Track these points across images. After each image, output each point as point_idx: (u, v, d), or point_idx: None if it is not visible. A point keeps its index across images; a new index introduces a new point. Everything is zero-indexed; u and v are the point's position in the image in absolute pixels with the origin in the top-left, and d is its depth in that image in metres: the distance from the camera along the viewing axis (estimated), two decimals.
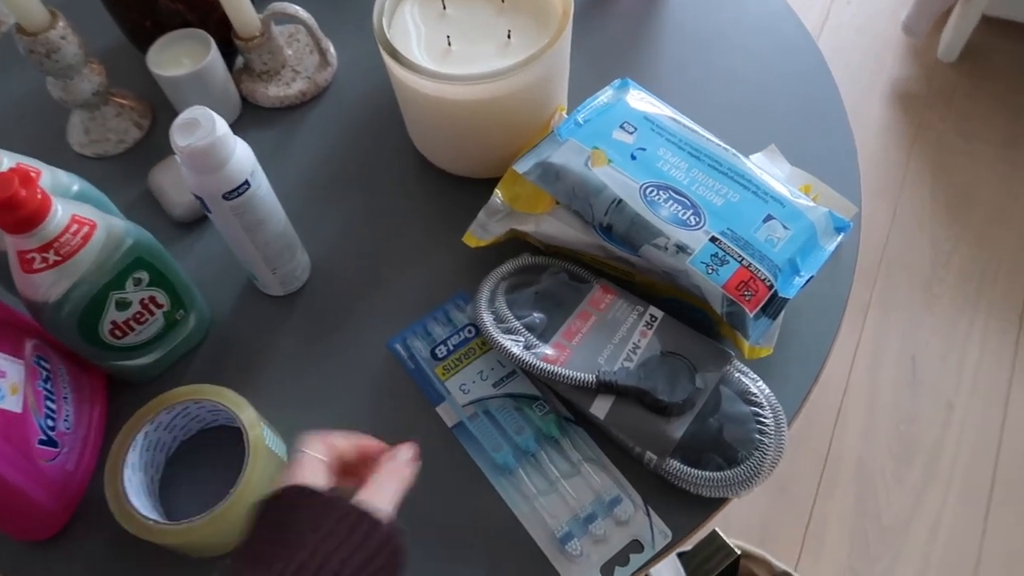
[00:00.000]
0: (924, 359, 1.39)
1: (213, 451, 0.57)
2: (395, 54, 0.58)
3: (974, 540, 1.22)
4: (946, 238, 1.50)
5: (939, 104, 1.66)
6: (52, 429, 0.51)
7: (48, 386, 0.52)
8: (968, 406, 1.33)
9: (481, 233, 0.60)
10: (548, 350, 0.53)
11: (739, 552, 0.90)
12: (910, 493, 1.26)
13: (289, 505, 0.40)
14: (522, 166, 0.58)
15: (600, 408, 0.51)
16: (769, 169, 0.61)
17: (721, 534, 0.91)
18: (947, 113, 1.65)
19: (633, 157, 0.56)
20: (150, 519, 0.48)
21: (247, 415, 0.52)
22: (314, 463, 0.43)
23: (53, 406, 0.52)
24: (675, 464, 0.51)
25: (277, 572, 0.37)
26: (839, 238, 0.56)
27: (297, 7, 0.70)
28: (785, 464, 1.30)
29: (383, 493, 0.43)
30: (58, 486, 0.51)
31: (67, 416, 0.53)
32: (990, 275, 1.46)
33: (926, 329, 1.41)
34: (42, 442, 0.50)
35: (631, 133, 0.58)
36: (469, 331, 0.59)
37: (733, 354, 0.53)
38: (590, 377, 0.51)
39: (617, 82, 0.63)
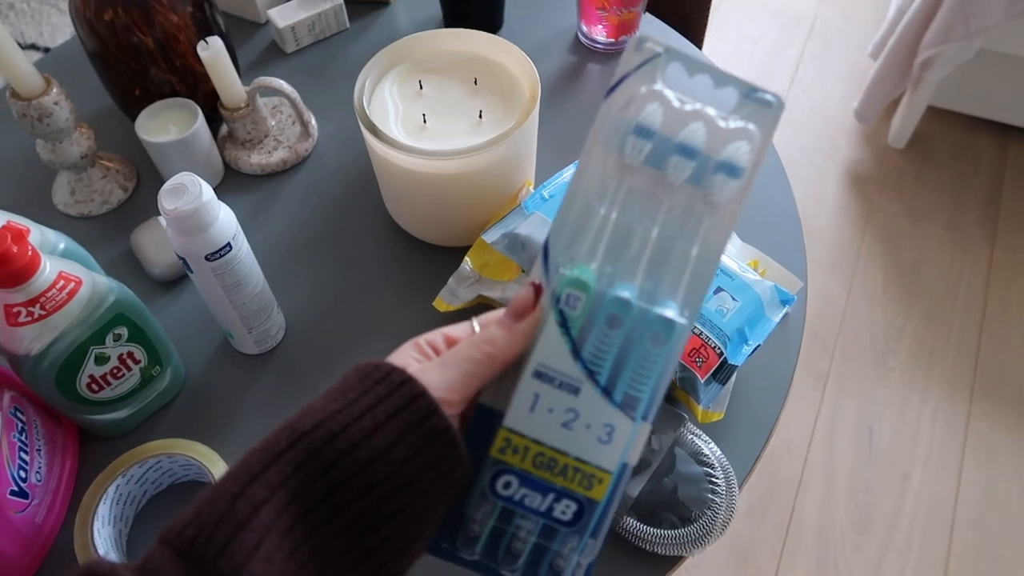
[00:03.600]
0: (880, 430, 1.43)
1: (183, 506, 0.57)
2: (374, 129, 0.62)
3: None
4: (897, 313, 1.57)
5: (889, 187, 1.75)
6: (24, 481, 0.52)
7: (22, 438, 0.53)
8: (923, 477, 1.37)
9: (451, 298, 0.63)
10: None
11: None
12: (869, 563, 1.28)
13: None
14: (490, 236, 0.61)
15: None
16: None
17: None
18: (896, 196, 1.74)
19: None
20: None
21: (219, 469, 0.53)
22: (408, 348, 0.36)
23: (26, 458, 0.53)
24: (631, 522, 0.53)
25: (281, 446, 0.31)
26: (785, 310, 0.60)
27: (282, 82, 0.75)
28: (748, 533, 1.32)
29: (440, 371, 0.33)
30: (27, 538, 0.52)
31: (39, 468, 0.54)
32: (939, 350, 1.52)
33: (881, 401, 1.46)
34: (13, 493, 0.51)
35: None
36: None
37: (687, 417, 0.56)
38: None
39: None
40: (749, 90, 0.34)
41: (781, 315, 0.59)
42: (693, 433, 0.56)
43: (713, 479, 0.54)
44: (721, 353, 0.55)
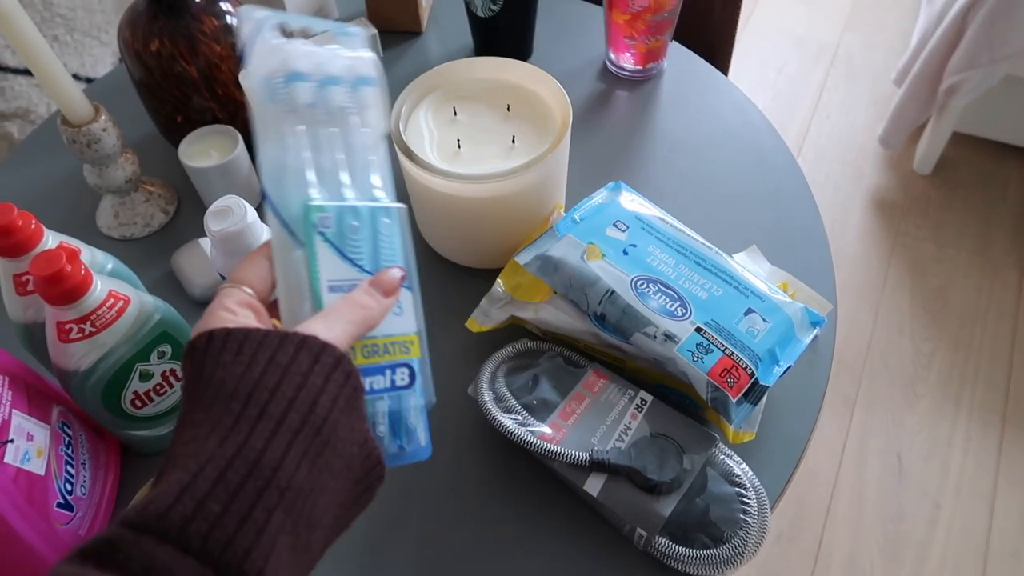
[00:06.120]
0: (909, 457, 1.41)
1: None
2: (410, 154, 0.63)
3: None
4: (925, 339, 1.55)
5: (915, 213, 1.75)
6: (69, 493, 0.54)
7: (69, 451, 0.55)
8: (954, 507, 1.35)
9: (483, 319, 0.64)
10: (545, 429, 0.56)
11: None
12: None
13: (205, 354, 0.33)
14: (523, 258, 0.63)
15: (593, 486, 0.54)
16: (750, 267, 0.66)
17: None
18: (923, 221, 1.73)
19: (625, 252, 0.61)
20: None
21: None
22: (235, 299, 0.36)
23: (72, 471, 0.55)
24: (664, 542, 0.53)
25: (220, 426, 0.31)
26: (815, 331, 0.60)
27: None
28: (776, 560, 1.30)
29: (330, 325, 0.35)
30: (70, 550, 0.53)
31: (84, 482, 0.56)
32: (969, 376, 1.50)
33: (910, 427, 1.45)
34: (59, 505, 0.53)
35: (623, 231, 0.63)
36: None
37: (718, 437, 0.57)
38: (584, 455, 0.54)
39: (611, 184, 0.68)
40: (338, 28, 0.42)
41: (811, 337, 0.60)
42: (724, 453, 0.57)
43: (745, 499, 0.54)
44: (752, 374, 0.56)
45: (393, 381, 0.39)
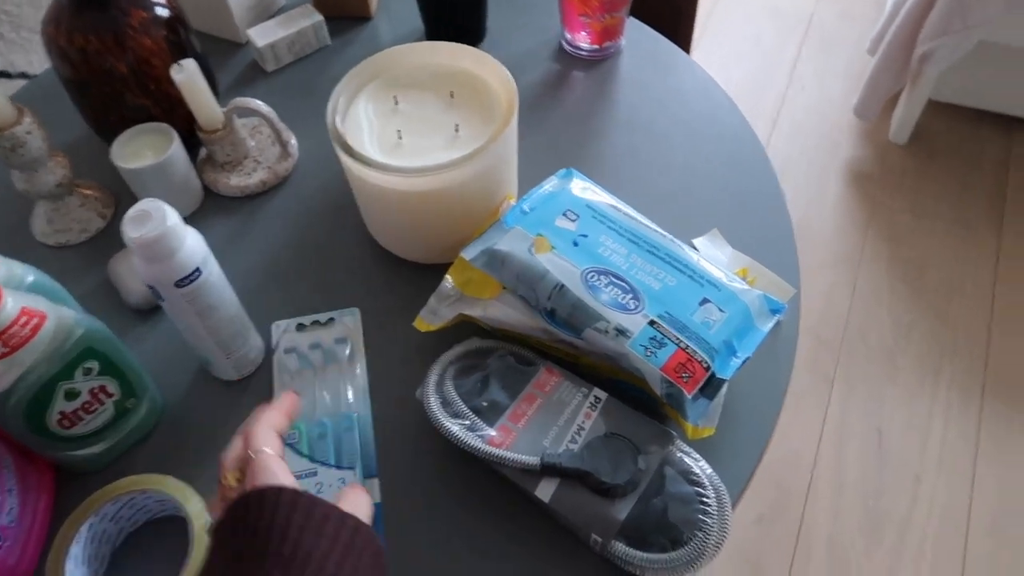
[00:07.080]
0: (889, 432, 1.40)
1: (160, 542, 0.56)
2: (347, 148, 0.60)
3: None
4: (905, 311, 1.54)
5: (891, 183, 1.73)
6: None
7: None
8: (935, 479, 1.34)
9: (431, 318, 0.61)
10: (493, 432, 0.54)
11: None
12: (882, 570, 1.26)
13: (273, 506, 0.39)
14: (469, 253, 0.60)
15: (545, 491, 0.52)
16: (711, 252, 0.64)
17: None
18: (899, 192, 1.71)
19: (575, 243, 0.58)
20: None
21: (193, 505, 0.52)
22: (279, 463, 0.43)
23: None
24: (620, 547, 0.51)
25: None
26: (775, 319, 0.58)
27: (259, 102, 0.73)
28: (757, 541, 1.29)
29: (358, 506, 0.43)
30: None
31: (11, 509, 0.53)
32: (949, 347, 1.49)
33: (890, 401, 1.43)
34: None
35: (573, 220, 0.60)
36: None
37: (676, 434, 0.54)
38: (534, 460, 0.52)
39: (562, 171, 0.65)
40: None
41: (771, 325, 0.57)
42: (683, 451, 0.54)
43: (704, 499, 0.52)
44: (708, 367, 0.53)
45: None
